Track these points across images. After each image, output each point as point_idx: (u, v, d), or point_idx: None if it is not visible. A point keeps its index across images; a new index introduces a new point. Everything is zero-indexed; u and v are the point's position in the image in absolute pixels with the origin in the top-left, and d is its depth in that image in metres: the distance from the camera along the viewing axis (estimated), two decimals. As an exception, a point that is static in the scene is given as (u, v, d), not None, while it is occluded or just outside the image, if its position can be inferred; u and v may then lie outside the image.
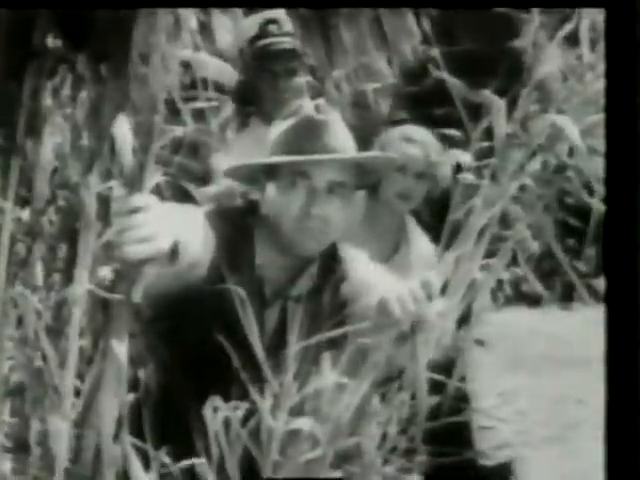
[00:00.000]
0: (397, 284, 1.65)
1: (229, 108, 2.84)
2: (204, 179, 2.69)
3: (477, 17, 2.88)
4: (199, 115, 2.56)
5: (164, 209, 1.41)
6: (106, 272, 1.47)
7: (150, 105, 1.47)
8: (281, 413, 1.47)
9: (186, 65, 2.55)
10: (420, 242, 2.77)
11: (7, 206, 1.58)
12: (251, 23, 2.88)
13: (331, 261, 1.85)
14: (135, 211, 1.36)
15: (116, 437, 1.45)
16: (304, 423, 1.48)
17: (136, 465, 1.46)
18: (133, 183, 1.44)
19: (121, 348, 1.42)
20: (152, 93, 1.47)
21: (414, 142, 2.67)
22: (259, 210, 1.83)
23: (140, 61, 1.53)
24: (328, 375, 1.52)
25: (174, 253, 1.46)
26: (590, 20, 1.49)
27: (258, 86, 2.89)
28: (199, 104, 2.58)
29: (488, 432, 3.54)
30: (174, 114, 2.57)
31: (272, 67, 2.86)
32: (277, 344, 1.65)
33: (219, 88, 2.66)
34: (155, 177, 1.45)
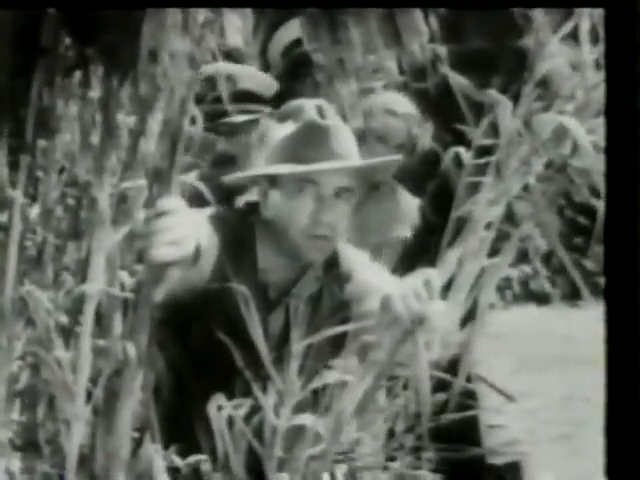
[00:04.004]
0: (400, 282, 1.65)
1: (267, 118, 2.83)
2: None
3: (485, 16, 2.88)
4: (238, 128, 2.56)
5: (189, 212, 1.42)
6: (124, 275, 1.49)
7: (178, 107, 1.47)
8: (284, 410, 1.48)
9: (228, 78, 2.55)
10: (406, 198, 2.79)
11: (17, 195, 1.58)
12: (297, 26, 2.85)
13: (334, 262, 1.86)
14: (164, 214, 1.37)
15: (139, 442, 1.47)
16: (306, 419, 1.49)
17: (159, 467, 1.47)
18: (160, 185, 1.45)
19: (136, 348, 1.43)
20: (180, 95, 1.48)
21: (397, 115, 2.68)
22: (261, 214, 1.83)
23: (150, 59, 1.53)
24: (331, 372, 1.53)
25: (197, 256, 1.47)
26: (590, 19, 1.50)
27: (297, 91, 2.87)
28: (238, 118, 2.58)
29: (496, 430, 3.53)
30: (210, 129, 2.57)
31: (314, 74, 2.84)
32: (281, 344, 1.66)
33: (257, 99, 2.65)
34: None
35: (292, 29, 2.83)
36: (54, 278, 1.74)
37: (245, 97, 2.59)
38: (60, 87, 1.69)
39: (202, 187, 2.50)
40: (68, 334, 1.60)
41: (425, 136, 2.69)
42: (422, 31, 2.11)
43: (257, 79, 2.67)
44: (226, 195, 2.29)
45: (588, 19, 1.51)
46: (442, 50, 2.77)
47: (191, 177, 2.50)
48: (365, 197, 2.71)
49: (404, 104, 2.72)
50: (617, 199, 1.47)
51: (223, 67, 2.59)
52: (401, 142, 2.65)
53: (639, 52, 1.46)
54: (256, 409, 1.51)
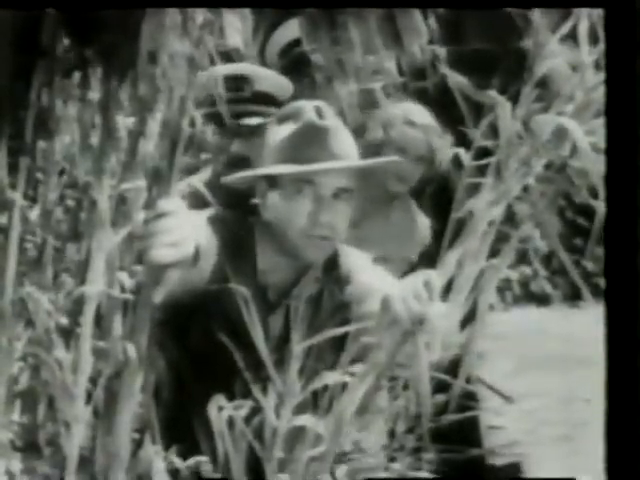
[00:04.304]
0: (400, 283, 1.65)
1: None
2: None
3: (484, 16, 2.88)
4: (253, 130, 2.56)
5: (189, 214, 1.42)
6: (124, 276, 1.49)
7: (177, 108, 1.47)
8: (285, 411, 1.48)
9: (243, 79, 2.55)
10: (420, 218, 2.80)
11: (17, 197, 1.58)
12: (295, 25, 2.84)
13: (334, 264, 1.85)
14: (164, 215, 1.38)
15: (140, 443, 1.47)
16: (307, 420, 1.49)
17: (159, 468, 1.47)
18: (160, 186, 1.45)
19: (136, 350, 1.43)
20: (180, 95, 1.48)
21: (416, 126, 2.68)
22: (260, 215, 1.83)
23: (149, 60, 1.54)
24: (332, 373, 1.53)
25: (196, 257, 1.48)
26: (589, 19, 1.50)
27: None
28: (253, 120, 2.58)
29: (497, 431, 3.54)
30: (224, 129, 2.57)
31: (313, 74, 2.83)
32: (282, 345, 1.66)
33: (273, 101, 2.64)
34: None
35: (291, 29, 2.83)
36: (54, 279, 1.74)
37: (261, 99, 2.59)
38: (59, 88, 1.69)
39: (203, 189, 2.50)
40: (68, 335, 1.60)
41: (445, 148, 2.69)
42: (422, 32, 2.11)
43: (274, 81, 2.66)
44: (239, 197, 2.29)
45: (587, 19, 1.51)
46: (441, 51, 2.77)
47: (198, 178, 2.51)
48: (376, 209, 2.72)
49: (424, 115, 2.72)
50: (617, 200, 1.47)
51: (241, 68, 2.59)
52: (421, 154, 2.66)
53: (639, 52, 1.46)
54: (256, 410, 1.51)
